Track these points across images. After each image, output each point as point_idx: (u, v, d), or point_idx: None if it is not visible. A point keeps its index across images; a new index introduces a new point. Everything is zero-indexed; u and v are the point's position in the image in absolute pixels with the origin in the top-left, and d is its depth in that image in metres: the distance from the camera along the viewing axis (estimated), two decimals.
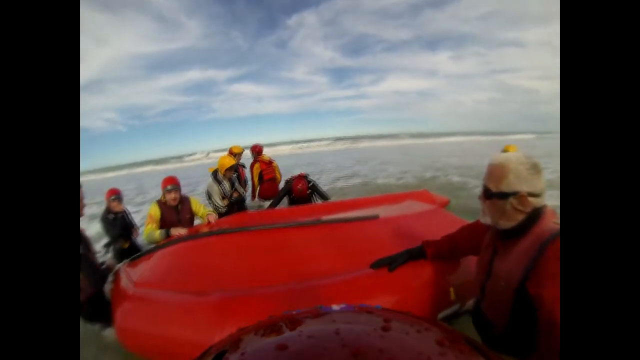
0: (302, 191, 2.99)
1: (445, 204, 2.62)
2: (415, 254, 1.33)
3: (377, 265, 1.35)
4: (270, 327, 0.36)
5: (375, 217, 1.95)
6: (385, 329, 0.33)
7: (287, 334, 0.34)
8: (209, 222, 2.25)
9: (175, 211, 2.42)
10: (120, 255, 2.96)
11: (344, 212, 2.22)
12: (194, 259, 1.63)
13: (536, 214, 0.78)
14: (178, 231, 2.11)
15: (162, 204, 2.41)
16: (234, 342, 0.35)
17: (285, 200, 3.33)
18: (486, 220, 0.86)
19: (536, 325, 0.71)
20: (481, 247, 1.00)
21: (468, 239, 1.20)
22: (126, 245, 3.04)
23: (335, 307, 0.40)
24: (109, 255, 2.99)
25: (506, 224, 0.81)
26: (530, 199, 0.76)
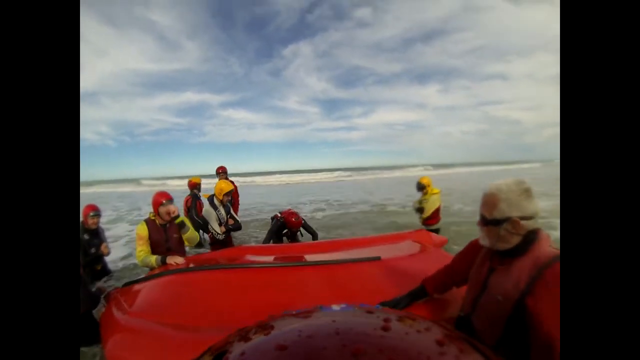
0: (297, 223, 3.05)
1: (443, 244, 2.58)
2: (418, 294, 1.33)
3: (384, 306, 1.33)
4: (270, 327, 0.36)
5: (377, 259, 1.90)
6: (385, 329, 0.33)
7: (287, 334, 0.34)
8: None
9: (163, 230, 2.33)
10: (92, 277, 2.84)
11: (344, 252, 2.19)
12: (191, 292, 1.61)
13: (531, 237, 0.84)
14: (174, 260, 2.04)
15: (150, 222, 2.31)
16: (234, 342, 0.35)
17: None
18: (485, 243, 0.92)
19: (529, 340, 0.75)
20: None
21: (463, 262, 1.22)
22: (99, 267, 2.93)
23: (335, 307, 0.40)
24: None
25: (503, 246, 0.87)
26: (523, 222, 0.82)
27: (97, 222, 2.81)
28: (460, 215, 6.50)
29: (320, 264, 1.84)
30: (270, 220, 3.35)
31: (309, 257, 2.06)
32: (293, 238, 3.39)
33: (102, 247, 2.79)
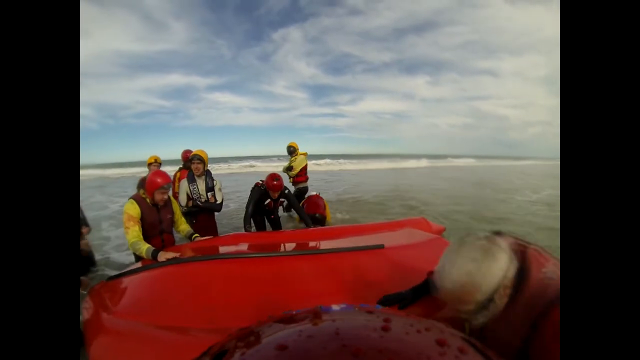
0: (277, 186, 2.75)
1: (441, 232, 2.50)
2: (424, 289, 1.21)
3: (385, 302, 1.20)
4: (270, 327, 0.36)
5: (380, 247, 1.78)
6: (385, 329, 0.33)
7: (287, 334, 0.34)
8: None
9: (156, 210, 2.11)
10: None
11: (343, 239, 2.11)
12: (183, 287, 1.48)
13: (520, 281, 0.68)
14: (166, 256, 1.83)
15: (141, 201, 2.05)
16: (234, 342, 0.35)
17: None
18: (482, 321, 0.71)
19: None
20: None
21: None
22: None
23: (335, 307, 0.40)
24: None
25: (499, 310, 0.70)
26: (510, 274, 0.67)
27: None
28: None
29: (322, 253, 1.75)
30: (250, 191, 3.00)
31: (309, 245, 1.96)
32: (274, 210, 3.08)
33: (82, 229, 2.56)
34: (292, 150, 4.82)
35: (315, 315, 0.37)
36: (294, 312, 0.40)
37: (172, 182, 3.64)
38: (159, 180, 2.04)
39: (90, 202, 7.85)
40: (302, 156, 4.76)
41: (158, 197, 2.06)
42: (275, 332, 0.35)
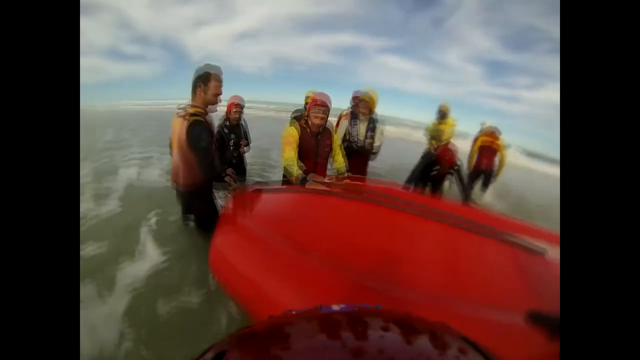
0: (450, 160, 2.60)
1: None
2: None
3: (538, 318, 0.96)
4: (270, 327, 0.36)
5: (540, 252, 1.49)
6: (385, 329, 0.33)
7: (287, 333, 0.34)
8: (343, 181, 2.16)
9: (315, 138, 2.16)
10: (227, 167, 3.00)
11: (498, 230, 1.83)
12: (316, 215, 1.58)
13: None
14: (312, 184, 1.91)
15: (301, 127, 2.13)
16: (234, 342, 0.35)
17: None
18: None
19: None
20: None
21: None
22: (235, 160, 3.10)
23: (335, 307, 0.40)
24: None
25: None
26: None
27: (239, 118, 2.95)
28: None
29: (472, 232, 1.56)
30: (422, 156, 2.94)
31: (463, 220, 1.74)
32: (439, 184, 2.93)
33: (241, 142, 2.97)
34: (443, 114, 3.71)
35: (316, 315, 0.37)
36: (294, 312, 0.40)
37: (337, 121, 3.46)
38: (314, 102, 2.14)
39: (265, 129, 9.19)
40: (453, 126, 3.73)
41: (312, 117, 2.11)
42: (275, 332, 0.35)
